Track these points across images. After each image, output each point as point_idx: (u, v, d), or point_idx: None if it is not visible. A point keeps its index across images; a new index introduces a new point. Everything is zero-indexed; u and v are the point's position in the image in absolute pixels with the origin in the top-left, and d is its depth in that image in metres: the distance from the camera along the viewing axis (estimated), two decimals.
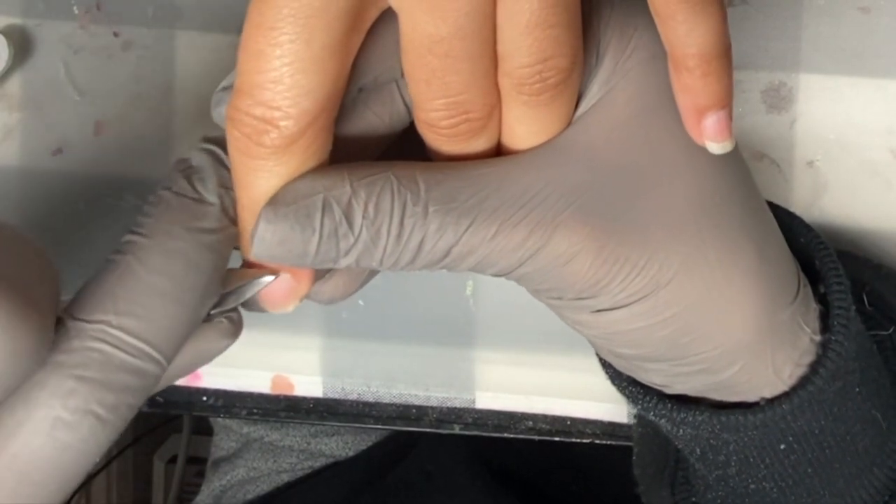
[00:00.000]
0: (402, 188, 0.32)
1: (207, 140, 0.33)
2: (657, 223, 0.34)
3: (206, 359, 0.33)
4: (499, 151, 0.34)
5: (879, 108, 0.49)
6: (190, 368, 0.33)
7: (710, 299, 0.35)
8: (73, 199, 0.52)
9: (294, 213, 0.31)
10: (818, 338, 0.37)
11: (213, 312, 0.33)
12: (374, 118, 0.34)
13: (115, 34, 0.51)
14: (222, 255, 0.32)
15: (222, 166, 0.33)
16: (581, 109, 0.34)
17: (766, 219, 0.37)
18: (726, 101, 0.33)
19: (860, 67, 0.49)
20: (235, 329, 0.34)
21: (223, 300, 0.33)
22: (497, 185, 0.33)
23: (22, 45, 0.51)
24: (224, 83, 0.33)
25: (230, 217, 0.33)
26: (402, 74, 0.33)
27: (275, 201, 0.31)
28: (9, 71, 0.51)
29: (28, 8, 0.51)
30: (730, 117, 0.33)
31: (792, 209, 0.49)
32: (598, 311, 0.35)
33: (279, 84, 0.30)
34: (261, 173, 0.31)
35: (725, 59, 0.32)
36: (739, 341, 0.35)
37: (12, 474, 0.29)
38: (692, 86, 0.32)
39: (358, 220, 0.31)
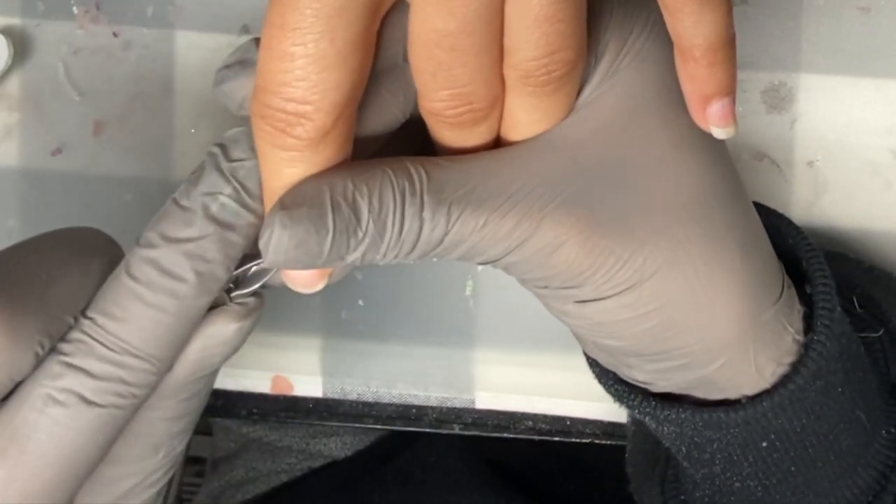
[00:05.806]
0: (399, 180, 0.32)
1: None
2: (642, 218, 0.34)
3: (220, 343, 0.35)
4: (499, 137, 0.35)
5: (879, 108, 0.49)
6: (205, 354, 0.35)
7: (692, 295, 0.35)
8: (72, 199, 0.52)
9: (307, 214, 0.32)
10: (801, 338, 0.38)
11: (233, 295, 0.35)
12: (388, 95, 0.34)
13: (115, 34, 0.51)
14: (207, 258, 0.33)
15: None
16: (575, 108, 0.35)
17: (751, 220, 0.37)
18: (731, 89, 0.34)
19: (860, 67, 0.49)
20: (248, 312, 0.35)
21: (243, 283, 0.35)
22: (485, 176, 0.34)
23: (22, 45, 0.51)
24: (226, 61, 0.34)
25: (221, 221, 0.33)
26: (404, 59, 0.33)
27: (284, 206, 0.32)
28: (9, 71, 0.51)
29: (27, 8, 0.51)
30: (734, 103, 0.34)
31: (792, 209, 0.49)
32: (583, 301, 0.35)
33: (306, 81, 0.31)
34: (296, 163, 0.32)
35: (730, 48, 0.33)
36: (721, 338, 0.36)
37: (14, 445, 0.33)
38: (698, 75, 0.34)
39: (365, 214, 0.32)
